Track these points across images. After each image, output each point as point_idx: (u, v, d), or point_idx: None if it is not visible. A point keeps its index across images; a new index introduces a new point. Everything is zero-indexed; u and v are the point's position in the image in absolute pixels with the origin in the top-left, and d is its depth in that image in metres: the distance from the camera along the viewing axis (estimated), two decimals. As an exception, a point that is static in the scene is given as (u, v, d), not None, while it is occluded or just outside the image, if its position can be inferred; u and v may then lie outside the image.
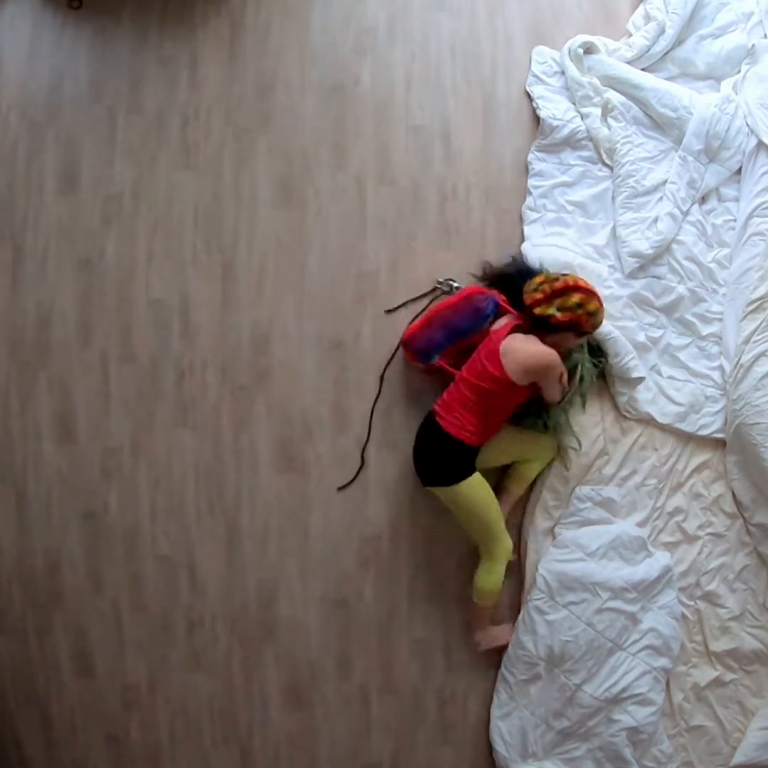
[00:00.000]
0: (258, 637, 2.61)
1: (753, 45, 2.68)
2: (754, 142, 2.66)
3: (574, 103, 2.67)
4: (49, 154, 2.69)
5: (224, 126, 2.69)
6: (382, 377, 2.61)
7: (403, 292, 2.64)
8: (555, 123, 2.64)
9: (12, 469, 2.65)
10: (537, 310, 2.23)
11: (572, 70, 2.64)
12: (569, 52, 2.65)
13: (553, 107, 2.66)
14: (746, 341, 2.59)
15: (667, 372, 2.64)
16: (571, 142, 2.67)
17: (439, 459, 2.34)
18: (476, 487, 2.32)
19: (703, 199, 2.72)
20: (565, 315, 2.21)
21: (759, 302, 2.59)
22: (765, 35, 2.69)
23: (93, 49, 2.71)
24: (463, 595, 2.58)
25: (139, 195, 2.67)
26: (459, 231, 2.67)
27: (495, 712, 2.56)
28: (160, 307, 2.65)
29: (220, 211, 2.66)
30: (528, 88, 2.69)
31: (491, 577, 2.42)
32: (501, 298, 2.41)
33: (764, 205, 2.62)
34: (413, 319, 2.58)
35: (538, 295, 2.24)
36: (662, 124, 2.67)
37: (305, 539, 2.60)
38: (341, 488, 2.60)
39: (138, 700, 2.64)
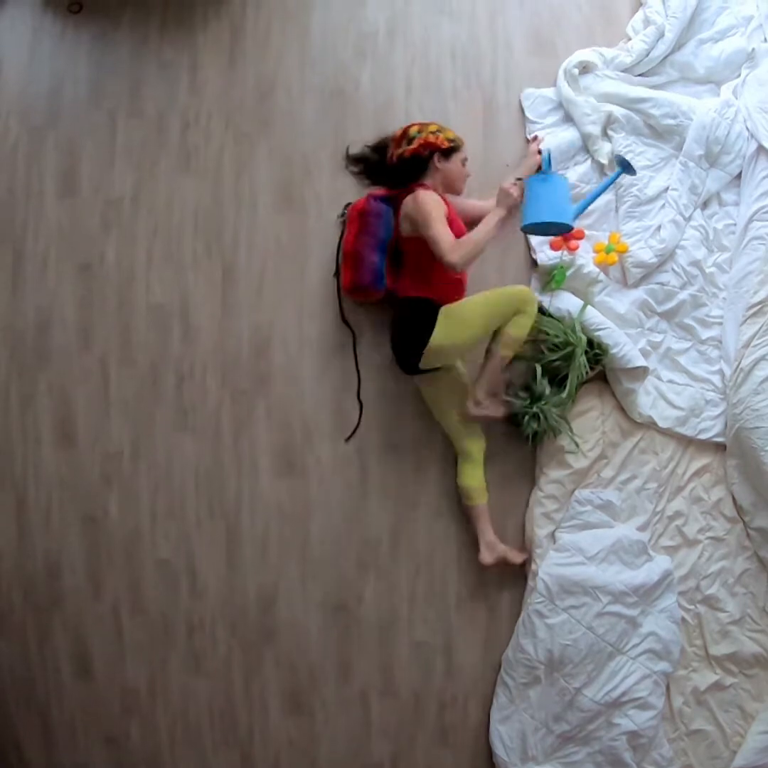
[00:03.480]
0: (258, 640, 2.61)
1: (753, 49, 2.67)
2: (754, 146, 2.65)
3: (573, 122, 2.67)
4: (49, 158, 2.69)
5: (224, 130, 2.69)
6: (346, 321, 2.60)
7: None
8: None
9: (12, 473, 2.66)
10: (394, 160, 2.39)
11: (566, 90, 2.63)
12: (565, 74, 2.64)
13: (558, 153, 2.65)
14: (746, 345, 2.59)
15: (667, 376, 2.64)
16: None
17: (406, 324, 2.35)
18: (446, 324, 2.28)
19: (705, 204, 2.72)
20: (414, 144, 2.35)
21: (759, 306, 2.58)
22: (765, 39, 2.68)
23: (93, 53, 2.72)
24: (463, 598, 2.58)
25: (139, 199, 2.68)
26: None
27: (495, 716, 2.56)
28: (160, 311, 2.66)
29: (221, 215, 2.67)
30: (528, 136, 2.68)
31: (475, 473, 2.48)
32: (380, 193, 2.46)
33: (764, 209, 2.61)
34: (336, 273, 2.57)
35: (391, 151, 2.42)
36: (662, 133, 2.67)
37: (305, 543, 2.61)
38: (348, 439, 2.59)
39: (138, 704, 2.64)
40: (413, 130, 2.37)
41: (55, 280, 2.67)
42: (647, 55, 2.66)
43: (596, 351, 2.52)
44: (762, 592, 2.61)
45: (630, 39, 2.71)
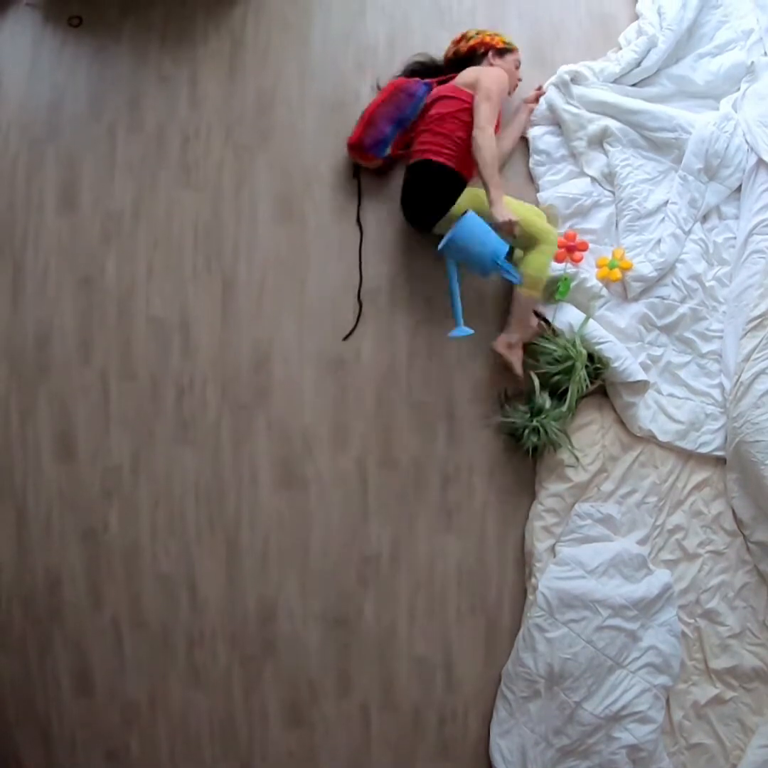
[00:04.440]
0: (258, 654, 2.61)
1: (752, 62, 2.68)
2: (753, 159, 2.66)
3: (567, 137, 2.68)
4: (49, 171, 2.69)
5: (224, 143, 2.69)
6: (358, 219, 2.65)
7: (402, 315, 2.64)
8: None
9: (12, 487, 2.65)
10: (450, 56, 2.54)
11: (558, 101, 2.64)
12: (558, 81, 2.65)
13: (564, 187, 2.65)
14: (746, 359, 2.59)
15: (667, 390, 2.64)
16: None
17: (429, 188, 2.40)
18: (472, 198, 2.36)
19: (704, 218, 2.72)
20: (472, 41, 2.50)
21: (759, 320, 2.58)
22: (765, 53, 2.69)
23: (93, 67, 2.72)
24: (463, 612, 2.58)
25: (139, 212, 2.68)
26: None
27: (494, 730, 2.56)
28: (160, 325, 2.65)
29: (220, 229, 2.67)
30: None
31: (539, 259, 2.41)
32: (431, 81, 2.53)
33: (764, 223, 2.62)
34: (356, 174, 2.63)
35: (448, 52, 2.56)
36: (660, 146, 2.67)
37: (305, 557, 2.60)
38: (346, 338, 2.61)
39: (138, 717, 2.63)
40: (471, 32, 2.52)
41: (55, 294, 2.67)
42: (638, 64, 2.66)
43: (597, 365, 2.53)
44: (762, 606, 2.61)
45: (620, 49, 2.71)
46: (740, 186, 2.72)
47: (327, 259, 2.65)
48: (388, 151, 2.53)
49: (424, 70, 2.58)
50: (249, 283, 2.65)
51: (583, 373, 2.47)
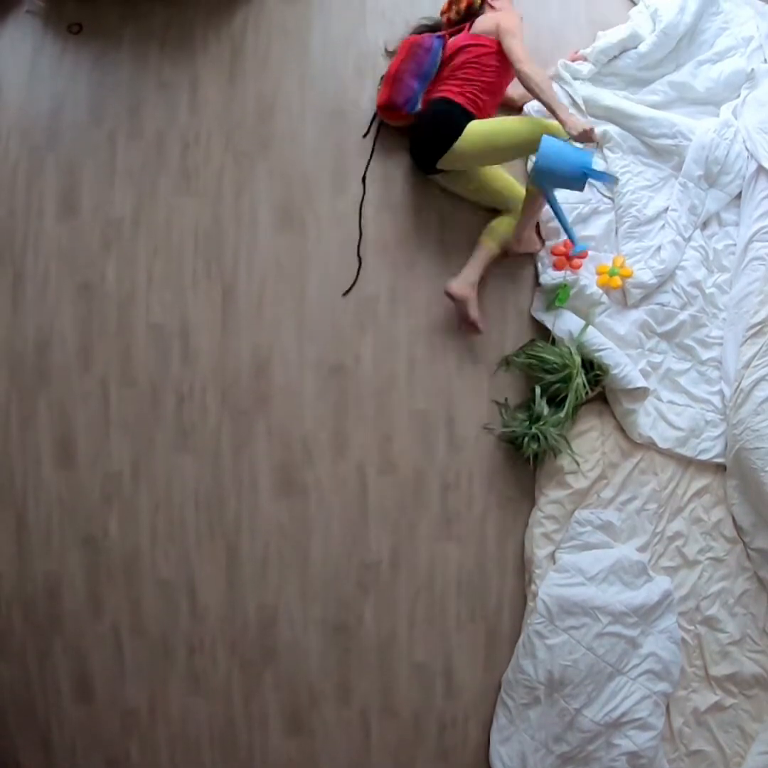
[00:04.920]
0: (258, 661, 2.61)
1: (752, 69, 2.68)
2: (753, 166, 2.66)
3: None
4: (49, 178, 2.69)
5: (224, 150, 2.68)
6: (364, 178, 2.66)
7: (403, 321, 2.65)
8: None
9: (12, 493, 2.65)
10: (453, 17, 2.53)
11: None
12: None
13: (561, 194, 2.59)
14: (746, 366, 2.59)
15: (667, 397, 2.64)
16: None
17: (437, 122, 2.42)
18: (475, 134, 2.37)
19: (704, 224, 2.72)
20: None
21: (759, 327, 2.59)
22: (765, 60, 2.69)
23: (93, 74, 2.71)
24: (463, 619, 2.59)
25: (139, 219, 2.67)
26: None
27: (495, 737, 2.56)
28: (160, 332, 2.65)
29: (220, 236, 2.66)
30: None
31: (503, 220, 2.51)
32: (441, 34, 2.54)
33: (764, 230, 2.62)
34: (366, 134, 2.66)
35: (444, 15, 2.58)
36: (661, 152, 2.67)
37: (305, 563, 2.60)
38: (345, 293, 2.63)
39: (138, 724, 2.63)
40: None
41: (55, 300, 2.67)
42: (609, 63, 2.68)
43: (596, 372, 2.53)
44: (762, 613, 2.61)
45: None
46: (740, 193, 2.73)
47: (327, 265, 2.64)
48: (419, 106, 2.51)
49: (431, 30, 2.58)
50: (249, 290, 2.65)
51: (581, 380, 2.48)
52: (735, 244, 2.71)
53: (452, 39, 2.51)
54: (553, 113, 2.25)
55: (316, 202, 2.66)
